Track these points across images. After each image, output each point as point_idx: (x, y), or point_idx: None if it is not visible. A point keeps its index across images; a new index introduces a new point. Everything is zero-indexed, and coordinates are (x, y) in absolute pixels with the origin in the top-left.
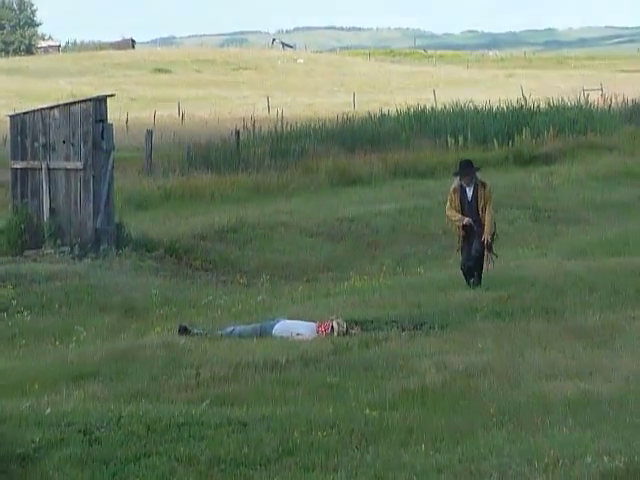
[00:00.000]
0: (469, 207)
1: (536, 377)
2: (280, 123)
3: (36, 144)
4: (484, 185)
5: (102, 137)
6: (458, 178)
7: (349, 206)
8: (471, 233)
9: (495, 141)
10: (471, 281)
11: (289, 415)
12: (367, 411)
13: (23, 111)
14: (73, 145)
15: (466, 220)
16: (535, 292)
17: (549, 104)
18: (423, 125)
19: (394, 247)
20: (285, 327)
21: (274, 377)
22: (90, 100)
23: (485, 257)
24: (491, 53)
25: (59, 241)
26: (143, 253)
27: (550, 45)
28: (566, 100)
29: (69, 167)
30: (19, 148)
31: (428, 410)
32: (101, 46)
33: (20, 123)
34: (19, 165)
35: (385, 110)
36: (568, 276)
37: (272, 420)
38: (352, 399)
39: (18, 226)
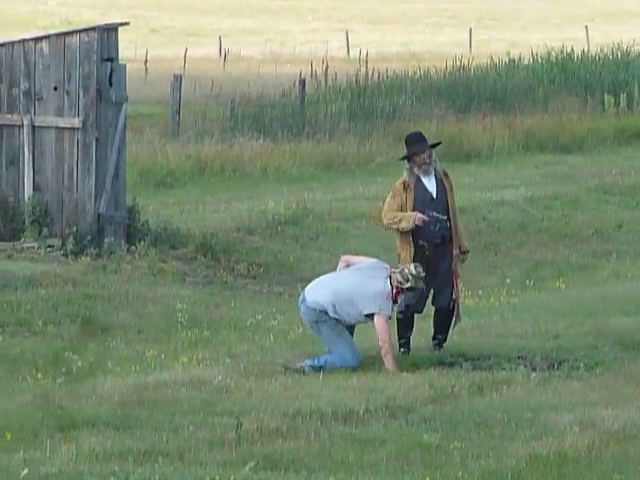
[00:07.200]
0: (436, 208)
1: None
2: (363, 70)
3: (14, 90)
4: (447, 174)
5: (110, 83)
6: (407, 168)
7: (459, 191)
8: (433, 253)
9: None
10: (406, 341)
11: None
12: None
13: None
14: (68, 93)
15: (419, 218)
16: None
17: None
18: (569, 78)
19: (522, 251)
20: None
21: (347, 432)
22: (94, 30)
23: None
24: None
25: (45, 230)
26: (165, 251)
27: None
28: None
29: (62, 125)
30: None
31: None
32: None
33: None
34: None
35: (514, 54)
36: None
37: None
38: (458, 467)
39: None
